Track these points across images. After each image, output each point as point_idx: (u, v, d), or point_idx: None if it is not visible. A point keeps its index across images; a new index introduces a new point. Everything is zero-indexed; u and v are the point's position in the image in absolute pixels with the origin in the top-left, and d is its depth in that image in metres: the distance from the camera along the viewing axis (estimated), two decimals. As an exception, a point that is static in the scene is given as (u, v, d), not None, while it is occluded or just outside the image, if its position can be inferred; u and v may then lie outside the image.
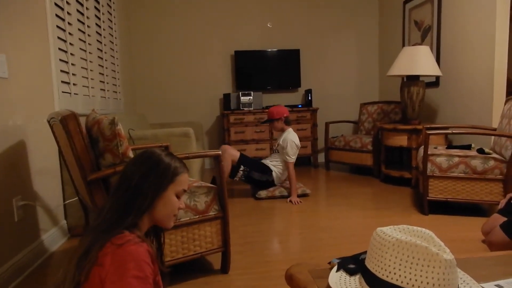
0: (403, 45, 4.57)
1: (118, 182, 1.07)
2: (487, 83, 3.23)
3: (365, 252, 0.98)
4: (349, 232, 2.39)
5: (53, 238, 2.28)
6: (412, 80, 3.67)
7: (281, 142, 3.40)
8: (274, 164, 3.46)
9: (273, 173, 3.42)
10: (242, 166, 3.35)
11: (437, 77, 3.91)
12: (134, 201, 1.03)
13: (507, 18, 3.12)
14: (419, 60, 3.52)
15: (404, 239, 0.84)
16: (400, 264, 0.82)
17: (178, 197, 1.12)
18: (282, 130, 3.45)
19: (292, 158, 3.32)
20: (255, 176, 3.36)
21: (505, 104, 2.60)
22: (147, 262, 0.91)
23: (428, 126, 3.17)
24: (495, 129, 2.76)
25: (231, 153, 3.37)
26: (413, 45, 3.62)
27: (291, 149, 3.32)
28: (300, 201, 3.21)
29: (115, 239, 0.93)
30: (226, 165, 3.32)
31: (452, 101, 3.74)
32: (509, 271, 0.94)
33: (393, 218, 2.53)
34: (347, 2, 5.15)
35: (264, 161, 3.51)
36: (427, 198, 2.69)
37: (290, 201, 3.23)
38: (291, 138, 3.35)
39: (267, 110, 4.52)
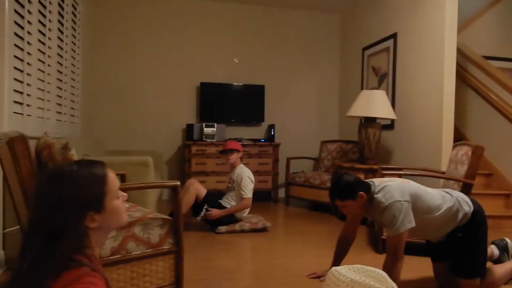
0: (362, 88, 4.82)
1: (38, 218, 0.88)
2: (436, 130, 3.45)
3: (319, 292, 0.97)
4: (305, 271, 2.36)
5: (-15, 270, 2.06)
6: (369, 121, 3.86)
7: (235, 178, 3.39)
8: (231, 206, 3.40)
9: (236, 214, 3.38)
10: (206, 205, 3.28)
11: (392, 121, 4.14)
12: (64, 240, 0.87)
13: (453, 72, 3.41)
14: (375, 103, 3.72)
15: (358, 279, 0.84)
16: (353, 306, 0.82)
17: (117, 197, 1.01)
18: (234, 165, 3.45)
19: (248, 194, 3.30)
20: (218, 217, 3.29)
21: (452, 149, 2.78)
22: None
23: (384, 166, 3.31)
24: (444, 173, 2.92)
25: (198, 188, 3.30)
26: (370, 89, 3.84)
27: (248, 184, 3.31)
28: (213, 218, 3.21)
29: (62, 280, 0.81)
30: (189, 198, 3.23)
31: (405, 144, 3.95)
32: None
33: (349, 257, 2.54)
34: (311, 45, 5.41)
35: (222, 202, 3.43)
36: (381, 237, 2.75)
37: (209, 213, 3.21)
38: (245, 173, 3.35)
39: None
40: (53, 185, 0.91)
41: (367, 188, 1.90)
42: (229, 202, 3.42)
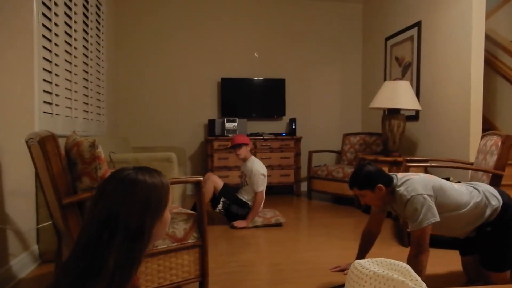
0: (385, 79, 4.72)
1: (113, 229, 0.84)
2: (464, 120, 3.35)
3: (342, 285, 0.97)
4: (328, 264, 2.36)
5: (22, 263, 2.17)
6: (393, 113, 3.78)
7: (246, 172, 3.38)
8: (247, 199, 3.41)
9: (250, 206, 3.38)
10: (223, 198, 3.31)
11: (417, 111, 4.03)
12: (141, 246, 0.88)
13: (481, 59, 3.29)
14: (399, 94, 3.63)
15: (381, 272, 0.84)
16: (377, 299, 0.82)
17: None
18: (245, 159, 3.43)
19: (261, 188, 3.30)
20: (233, 210, 3.31)
21: (481, 139, 2.69)
22: None
23: (408, 158, 3.24)
24: (472, 164, 2.83)
25: (215, 181, 3.33)
26: (394, 80, 3.75)
27: (258, 178, 3.28)
28: (244, 228, 3.21)
29: None
30: (207, 191, 3.27)
31: (431, 135, 3.85)
32: (485, 307, 0.94)
33: (373, 250, 2.52)
34: (332, 36, 5.34)
35: (239, 195, 3.44)
36: (407, 230, 2.70)
37: (236, 225, 3.22)
38: (256, 167, 3.31)
39: (253, 138, 4.57)
40: (134, 188, 0.90)
41: (388, 181, 1.86)
42: (244, 196, 3.43)
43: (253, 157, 3.44)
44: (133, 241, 0.86)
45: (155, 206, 0.91)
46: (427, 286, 0.85)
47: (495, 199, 1.84)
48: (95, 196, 0.91)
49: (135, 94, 4.91)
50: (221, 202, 3.30)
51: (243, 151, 3.39)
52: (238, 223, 3.24)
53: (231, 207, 3.31)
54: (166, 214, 0.96)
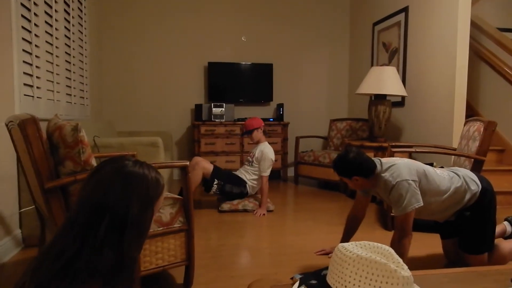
0: (372, 65, 4.73)
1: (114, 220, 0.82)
2: (448, 106, 3.39)
3: (326, 268, 0.99)
4: (314, 248, 2.40)
5: (5, 248, 2.14)
6: (379, 99, 3.80)
7: (257, 154, 3.40)
8: (248, 178, 3.42)
9: (247, 185, 3.40)
10: (216, 180, 3.31)
11: (403, 97, 4.07)
12: (139, 238, 0.88)
13: (466, 45, 3.32)
14: (386, 80, 3.65)
15: (364, 255, 0.85)
16: (359, 280, 0.83)
17: None
18: (259, 142, 3.45)
19: (267, 172, 3.34)
20: (227, 189, 3.32)
21: (464, 125, 2.74)
22: None
23: (393, 144, 3.28)
24: (455, 149, 2.88)
25: (204, 166, 3.32)
26: (381, 66, 3.76)
27: (267, 162, 3.33)
28: (264, 214, 3.23)
29: None
30: (196, 177, 3.26)
31: (416, 121, 3.90)
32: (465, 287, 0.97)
33: (358, 234, 2.57)
34: (319, 21, 5.30)
35: (238, 173, 3.46)
36: (391, 214, 2.76)
37: (259, 214, 3.23)
38: (267, 152, 3.35)
39: (240, 123, 4.55)
40: (139, 182, 0.88)
41: (371, 170, 1.87)
42: (244, 174, 3.44)
43: (266, 142, 3.45)
44: (137, 236, 0.85)
45: (148, 199, 0.89)
46: (409, 268, 0.87)
47: (475, 184, 1.89)
48: (91, 182, 0.87)
49: (120, 78, 4.81)
50: (214, 185, 3.30)
51: (257, 135, 3.41)
52: (259, 212, 3.24)
53: (225, 187, 3.31)
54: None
